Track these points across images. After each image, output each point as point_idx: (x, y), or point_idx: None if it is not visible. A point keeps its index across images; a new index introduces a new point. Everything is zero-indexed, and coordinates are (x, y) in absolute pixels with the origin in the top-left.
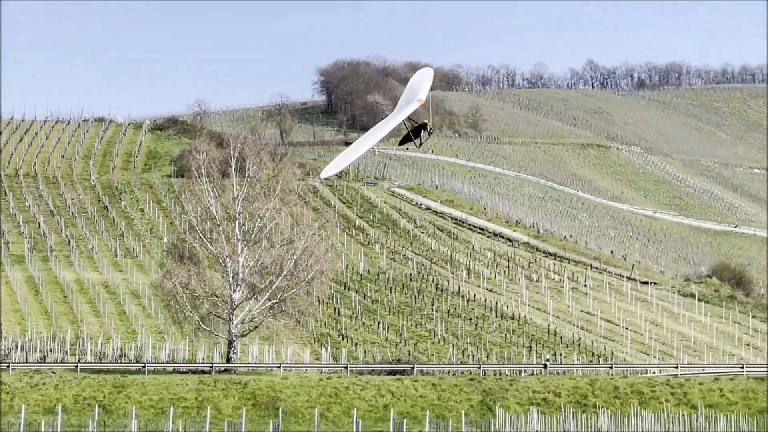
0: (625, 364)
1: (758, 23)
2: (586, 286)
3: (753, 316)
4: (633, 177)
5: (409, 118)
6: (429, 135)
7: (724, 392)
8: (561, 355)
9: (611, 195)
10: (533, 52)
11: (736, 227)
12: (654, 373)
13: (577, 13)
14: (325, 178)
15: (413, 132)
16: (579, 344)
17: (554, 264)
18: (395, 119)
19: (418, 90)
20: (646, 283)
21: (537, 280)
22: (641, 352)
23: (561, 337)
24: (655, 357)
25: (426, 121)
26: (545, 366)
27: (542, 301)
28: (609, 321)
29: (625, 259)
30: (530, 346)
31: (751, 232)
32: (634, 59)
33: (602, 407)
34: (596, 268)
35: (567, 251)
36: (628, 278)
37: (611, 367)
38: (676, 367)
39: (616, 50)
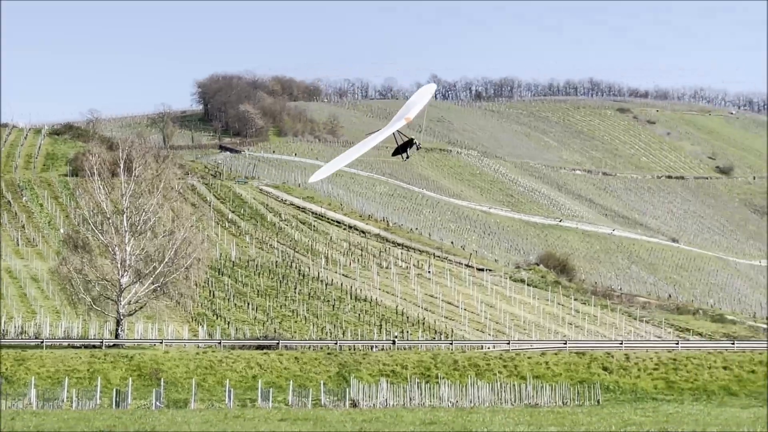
0: (463, 341)
1: (578, 42)
2: (429, 272)
3: (575, 299)
4: (470, 177)
5: (399, 132)
6: (417, 149)
7: (550, 365)
8: (407, 332)
9: (452, 193)
10: (384, 69)
11: (560, 221)
12: (488, 348)
13: (422, 34)
14: (312, 182)
15: (402, 147)
16: (423, 323)
17: (402, 253)
18: (384, 133)
19: (410, 109)
20: (481, 269)
21: (386, 267)
22: (477, 330)
23: (407, 317)
24: (489, 334)
25: (413, 138)
26: (394, 342)
27: (391, 285)
28: (449, 303)
29: (463, 249)
30: (381, 325)
31: (573, 226)
32: (471, 74)
33: (443, 378)
34: (438, 256)
35: (413, 242)
36: (466, 265)
37: (451, 343)
38: (508, 343)
39: (457, 67)
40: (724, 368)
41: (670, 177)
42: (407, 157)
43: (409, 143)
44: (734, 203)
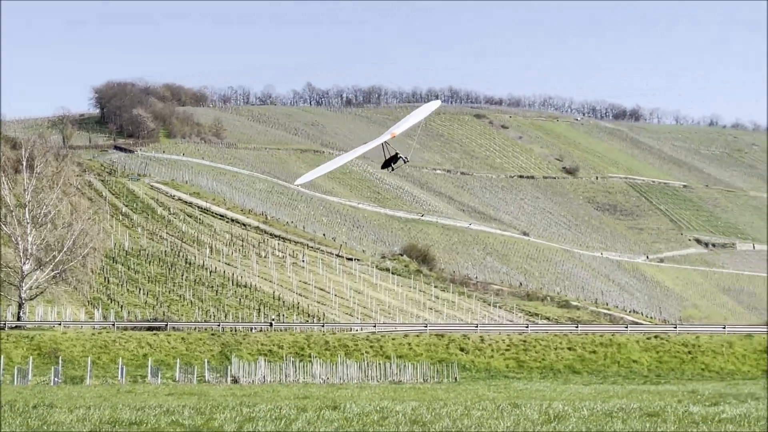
0: (333, 323)
1: (439, 53)
2: (303, 261)
3: (435, 286)
4: (341, 175)
5: (387, 145)
6: (404, 163)
7: (412, 345)
8: (283, 315)
9: (324, 190)
10: (265, 76)
11: (422, 216)
12: (356, 330)
13: (300, 45)
14: (300, 185)
15: (388, 160)
16: (298, 307)
17: (278, 244)
18: (369, 145)
19: (401, 125)
20: (351, 259)
21: (265, 257)
22: (347, 313)
23: (283, 302)
24: (357, 317)
25: (398, 152)
26: (271, 324)
27: (269, 273)
28: (321, 289)
29: (334, 240)
30: (259, 309)
31: (434, 220)
32: (343, 82)
33: (316, 357)
34: (312, 247)
35: (289, 234)
36: (337, 255)
37: (323, 326)
38: (374, 326)
39: (329, 75)
40: (569, 349)
41: (521, 177)
42: (392, 170)
43: (394, 158)
44: (579, 201)
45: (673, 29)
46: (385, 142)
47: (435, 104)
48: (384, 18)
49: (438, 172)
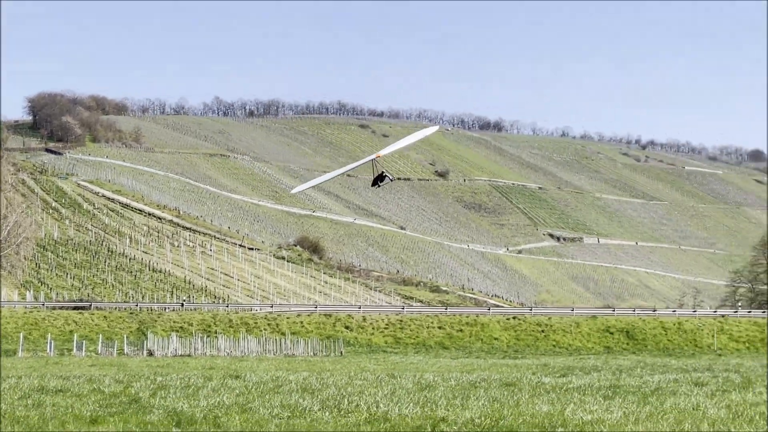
0: (236, 304)
1: (330, 71)
2: (211, 250)
3: (324, 273)
4: (244, 177)
5: (375, 164)
6: (390, 181)
7: (304, 324)
8: (193, 297)
9: (229, 189)
10: (178, 90)
11: (313, 212)
12: (256, 310)
13: (211, 60)
14: (296, 192)
15: (375, 179)
16: (206, 290)
17: (189, 235)
18: (356, 163)
19: (390, 147)
20: (251, 249)
21: (177, 246)
22: (248, 295)
23: (193, 285)
24: (257, 299)
25: (383, 171)
26: (182, 304)
27: (181, 260)
28: (226, 274)
29: (237, 232)
30: (172, 291)
31: (324, 216)
32: (246, 96)
33: (221, 333)
34: (218, 238)
35: (198, 226)
36: (240, 245)
37: (227, 306)
38: (272, 306)
39: (235, 89)
40: (439, 328)
41: (399, 179)
42: (379, 186)
43: (381, 177)
44: (449, 200)
45: (528, 52)
46: (374, 161)
47: (431, 129)
48: (284, 38)
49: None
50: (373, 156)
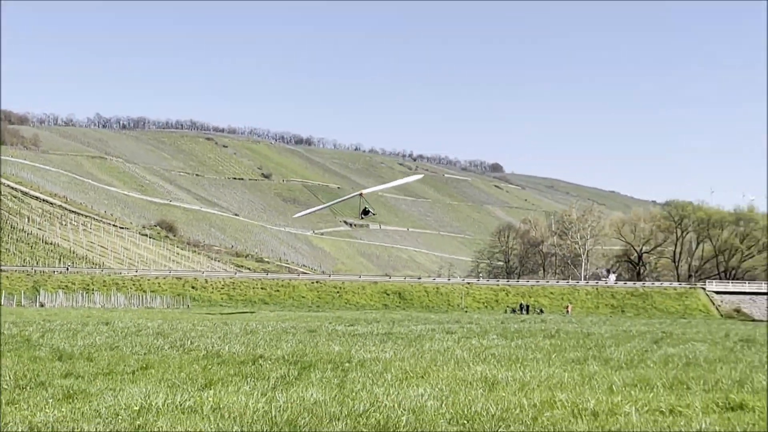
0: (109, 269)
1: (193, 94)
2: (91, 229)
3: (177, 247)
4: (118, 174)
5: (361, 198)
6: (372, 215)
7: (161, 284)
8: (76, 263)
9: (107, 183)
10: (68, 106)
11: (170, 201)
12: (125, 273)
13: (93, 83)
14: (297, 217)
15: (363, 211)
16: (86, 258)
17: (75, 217)
18: (343, 198)
19: (374, 188)
20: (122, 228)
21: (65, 225)
22: (119, 263)
23: (76, 254)
24: (125, 265)
25: (366, 206)
26: (67, 269)
27: (67, 236)
28: (102, 246)
29: (111, 216)
30: (60, 259)
31: (178, 204)
32: (121, 113)
33: (97, 290)
34: (97, 219)
35: (82, 210)
36: (113, 225)
37: (102, 270)
38: (137, 271)
39: (113, 107)
40: (262, 288)
41: (234, 179)
42: (363, 218)
43: (365, 211)
44: (271, 195)
45: (330, 79)
46: (360, 195)
47: (414, 177)
48: (148, 64)
49: (182, 174)
50: (358, 193)
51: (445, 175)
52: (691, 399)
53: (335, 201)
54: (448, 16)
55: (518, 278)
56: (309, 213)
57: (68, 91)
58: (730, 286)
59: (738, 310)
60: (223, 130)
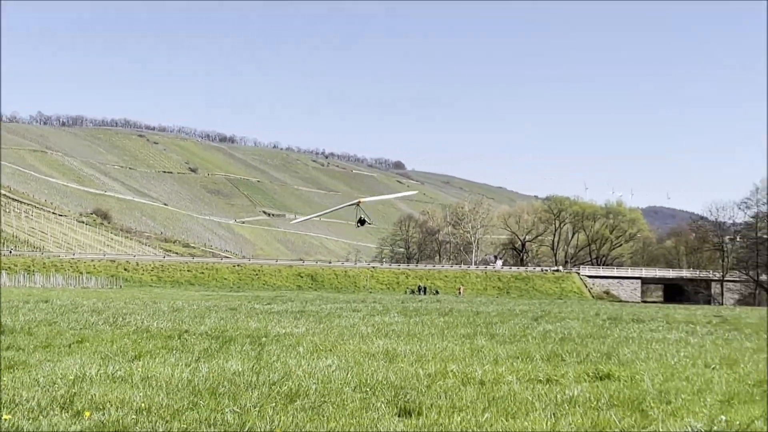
0: (49, 252)
1: (133, 95)
2: (32, 216)
3: (111, 233)
4: (58, 167)
5: (358, 207)
6: (370, 224)
7: (96, 266)
8: (19, 247)
9: (47, 174)
10: (12, 105)
11: (105, 192)
12: (63, 256)
13: (34, 83)
14: (294, 223)
15: (360, 220)
16: (28, 242)
17: (18, 204)
18: (341, 206)
19: (373, 198)
20: (61, 215)
21: (9, 212)
22: (57, 247)
23: (19, 239)
24: (63, 249)
25: (361, 216)
26: (11, 252)
27: (11, 222)
28: (43, 232)
29: (51, 204)
30: (4, 242)
31: (113, 195)
32: (60, 111)
33: (37, 272)
34: (39, 207)
35: (25, 200)
36: (53, 212)
37: (43, 253)
38: (74, 254)
39: (54, 105)
40: (188, 271)
41: (164, 172)
42: (359, 227)
43: (361, 221)
44: (197, 187)
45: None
46: (358, 205)
47: (411, 192)
48: (85, 65)
49: (116, 167)
50: (356, 201)
51: (354, 171)
52: (566, 369)
53: (331, 209)
54: (342, 20)
55: (417, 263)
56: (306, 220)
57: (11, 90)
58: (601, 271)
59: (607, 292)
60: (154, 129)
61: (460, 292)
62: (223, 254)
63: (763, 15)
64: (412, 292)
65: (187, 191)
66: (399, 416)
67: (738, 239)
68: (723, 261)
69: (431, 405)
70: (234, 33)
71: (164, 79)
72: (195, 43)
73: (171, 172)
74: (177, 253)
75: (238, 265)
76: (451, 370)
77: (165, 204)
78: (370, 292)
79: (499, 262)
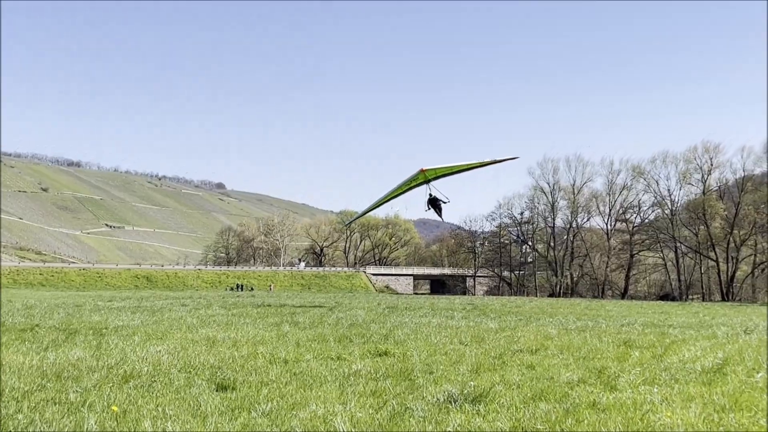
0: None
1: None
2: None
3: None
4: None
5: (429, 186)
6: (445, 203)
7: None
8: None
9: None
10: None
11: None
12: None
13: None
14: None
15: (431, 201)
16: None
17: None
18: (396, 191)
19: (427, 188)
20: None
21: None
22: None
23: None
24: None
25: (434, 196)
26: None
27: None
28: None
29: None
30: None
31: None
32: None
33: None
34: None
35: None
36: None
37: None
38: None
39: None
40: (40, 274)
41: (20, 191)
42: (428, 210)
43: (434, 202)
44: (49, 204)
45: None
46: (429, 183)
47: (514, 157)
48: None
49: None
50: (416, 173)
51: (182, 191)
52: (353, 349)
53: (370, 207)
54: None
55: (235, 265)
56: (357, 218)
57: None
58: (382, 270)
59: (387, 287)
60: (10, 155)
61: (271, 289)
62: (71, 260)
63: None
64: (232, 289)
65: (39, 207)
66: (217, 391)
67: (486, 244)
68: (475, 261)
69: (243, 381)
70: (73, 63)
71: (17, 105)
72: (41, 74)
73: (25, 191)
74: (30, 259)
75: (83, 269)
76: (261, 352)
77: (20, 218)
78: (196, 290)
79: (303, 264)
